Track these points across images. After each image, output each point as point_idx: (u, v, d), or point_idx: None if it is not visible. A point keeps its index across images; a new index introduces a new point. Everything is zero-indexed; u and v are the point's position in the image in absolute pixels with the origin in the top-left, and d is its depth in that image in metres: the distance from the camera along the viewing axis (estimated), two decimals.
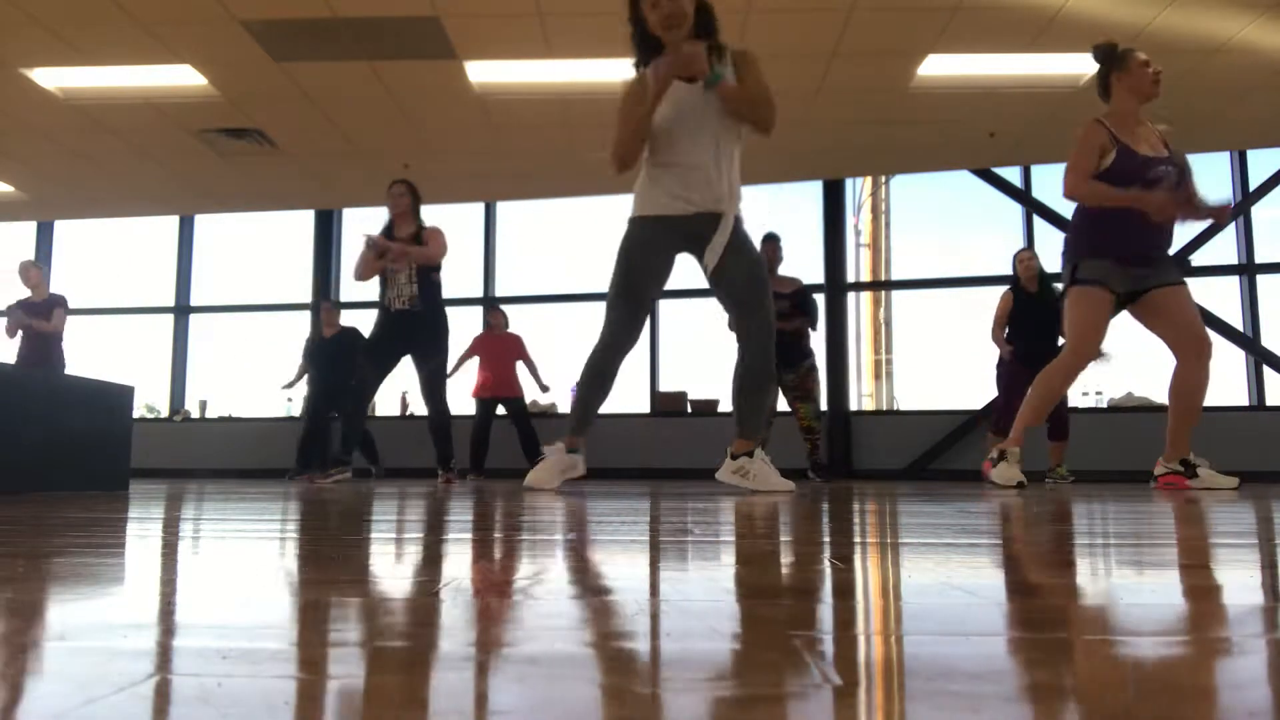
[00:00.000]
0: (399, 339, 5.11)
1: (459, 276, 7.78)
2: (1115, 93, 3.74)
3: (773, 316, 3.17)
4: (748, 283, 3.11)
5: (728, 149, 3.10)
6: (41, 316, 6.61)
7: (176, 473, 8.29)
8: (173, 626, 0.63)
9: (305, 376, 7.43)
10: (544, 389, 7.33)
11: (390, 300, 5.08)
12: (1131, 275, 3.67)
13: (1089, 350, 3.70)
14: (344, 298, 8.40)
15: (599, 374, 3.24)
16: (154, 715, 0.41)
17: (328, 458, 5.26)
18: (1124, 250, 3.64)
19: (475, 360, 7.17)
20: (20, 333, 6.68)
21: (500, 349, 7.15)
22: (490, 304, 7.38)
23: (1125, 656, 0.52)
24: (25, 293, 6.78)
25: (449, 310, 5.30)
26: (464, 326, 7.51)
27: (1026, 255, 5.98)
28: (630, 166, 3.17)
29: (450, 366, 5.69)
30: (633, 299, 3.17)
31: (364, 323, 7.42)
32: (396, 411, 8.39)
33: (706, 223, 3.10)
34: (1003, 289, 6.10)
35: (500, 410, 7.17)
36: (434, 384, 5.25)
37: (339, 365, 7.21)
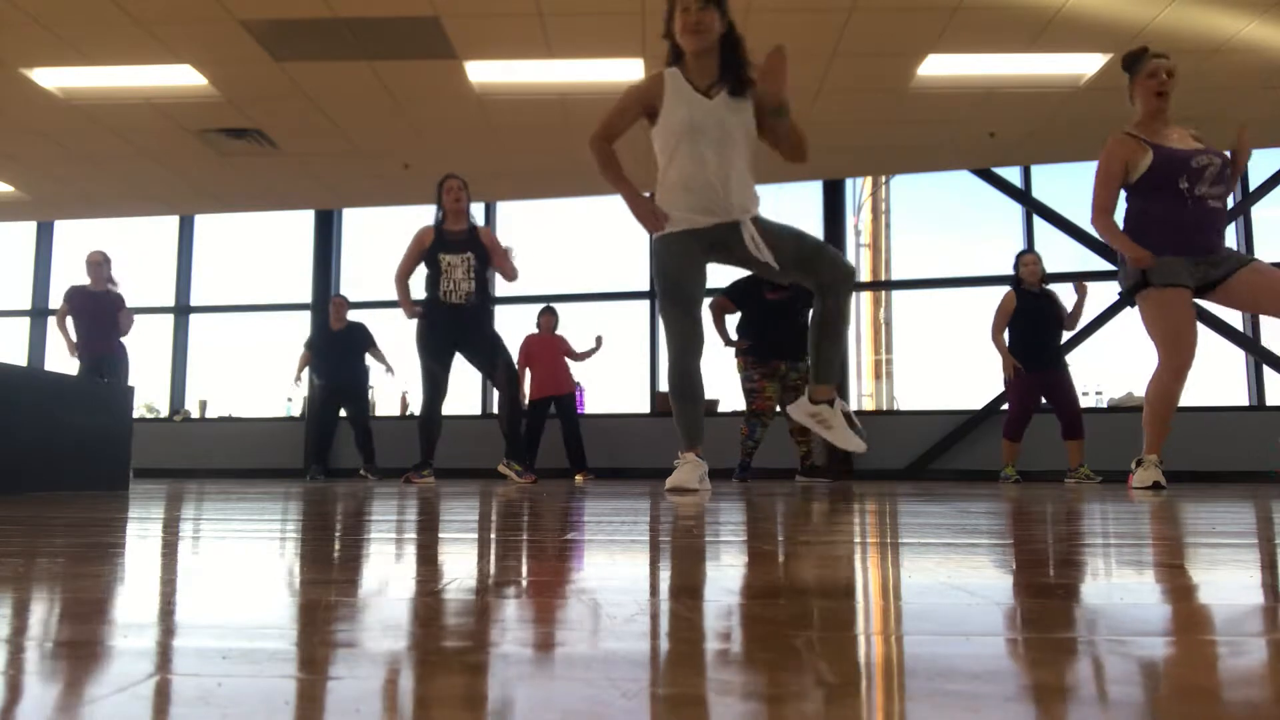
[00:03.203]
0: (454, 333, 5.02)
1: None
2: (1135, 100, 3.77)
3: (842, 258, 3.16)
4: (798, 248, 3.11)
5: (734, 159, 3.09)
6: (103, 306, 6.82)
7: (176, 473, 8.29)
8: (173, 626, 0.63)
9: (307, 369, 7.43)
10: (595, 345, 7.32)
11: (446, 293, 4.99)
12: (1199, 269, 3.64)
13: (1183, 352, 3.62)
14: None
15: (683, 384, 3.24)
16: (154, 715, 0.41)
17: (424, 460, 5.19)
18: (1180, 249, 3.63)
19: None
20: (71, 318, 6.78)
21: (551, 348, 7.21)
22: (546, 306, 7.42)
23: (1124, 656, 0.52)
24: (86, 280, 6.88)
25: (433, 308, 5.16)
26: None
27: (1031, 259, 5.93)
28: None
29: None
30: (681, 303, 3.18)
31: (363, 319, 7.47)
32: (396, 411, 8.38)
33: (726, 231, 3.11)
34: (1003, 289, 6.10)
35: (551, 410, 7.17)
36: (514, 381, 5.16)
37: (346, 359, 7.23)
